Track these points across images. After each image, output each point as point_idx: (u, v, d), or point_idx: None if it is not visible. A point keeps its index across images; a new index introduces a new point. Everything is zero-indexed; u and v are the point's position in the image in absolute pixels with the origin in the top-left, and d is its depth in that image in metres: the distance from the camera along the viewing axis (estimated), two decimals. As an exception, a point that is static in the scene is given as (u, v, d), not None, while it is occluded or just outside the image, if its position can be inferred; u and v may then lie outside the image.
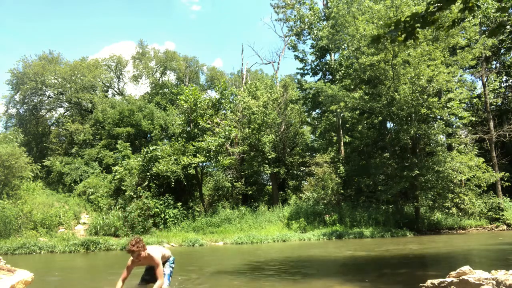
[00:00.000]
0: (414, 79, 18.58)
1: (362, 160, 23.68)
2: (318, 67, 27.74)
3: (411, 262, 10.15)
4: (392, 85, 19.29)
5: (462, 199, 20.04)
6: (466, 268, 4.36)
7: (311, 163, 25.03)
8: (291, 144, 29.17)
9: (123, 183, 21.70)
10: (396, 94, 18.83)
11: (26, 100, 32.29)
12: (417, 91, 18.59)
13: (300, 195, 24.73)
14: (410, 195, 20.90)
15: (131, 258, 5.51)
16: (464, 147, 23.04)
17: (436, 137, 21.08)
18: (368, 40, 18.47)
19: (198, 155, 21.60)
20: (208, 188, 26.48)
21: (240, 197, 26.55)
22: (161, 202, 20.55)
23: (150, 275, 6.16)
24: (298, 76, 28.70)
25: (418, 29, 3.36)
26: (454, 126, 23.14)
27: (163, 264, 5.98)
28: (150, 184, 21.17)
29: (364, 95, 20.65)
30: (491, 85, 25.06)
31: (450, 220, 21.27)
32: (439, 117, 20.66)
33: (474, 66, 23.72)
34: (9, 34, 61.00)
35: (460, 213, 21.80)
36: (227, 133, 22.33)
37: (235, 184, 26.03)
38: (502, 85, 26.85)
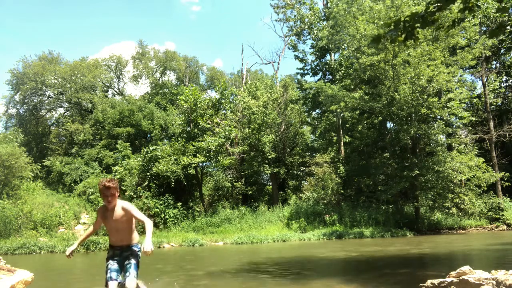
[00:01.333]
0: (414, 79, 18.59)
1: (362, 160, 23.68)
2: (318, 67, 27.75)
3: (411, 262, 10.15)
4: (392, 85, 19.29)
5: (462, 199, 20.03)
6: (466, 268, 4.36)
7: (311, 163, 25.03)
8: (291, 144, 29.17)
9: (123, 183, 21.71)
10: (396, 94, 18.83)
11: (26, 100, 32.30)
12: (417, 91, 18.59)
13: (300, 195, 24.73)
14: (410, 195, 20.91)
15: (99, 210, 4.50)
16: (464, 147, 23.03)
17: (436, 137, 21.07)
18: (369, 40, 18.48)
19: (198, 155, 21.60)
20: (208, 188, 26.48)
21: (240, 197, 26.55)
22: (161, 202, 20.55)
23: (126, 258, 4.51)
24: (298, 76, 28.72)
25: (418, 29, 3.36)
26: (454, 126, 23.14)
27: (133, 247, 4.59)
28: (150, 184, 21.17)
29: (364, 95, 20.66)
30: (491, 85, 25.06)
31: (450, 220, 21.27)
32: (439, 117, 20.66)
33: (474, 66, 23.71)
34: (9, 34, 61.00)
35: (460, 213, 21.80)
36: (227, 133, 22.34)
37: (235, 184, 26.03)
38: (502, 85, 26.85)
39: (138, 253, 4.52)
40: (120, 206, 4.37)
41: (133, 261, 4.38)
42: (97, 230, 4.75)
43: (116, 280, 4.24)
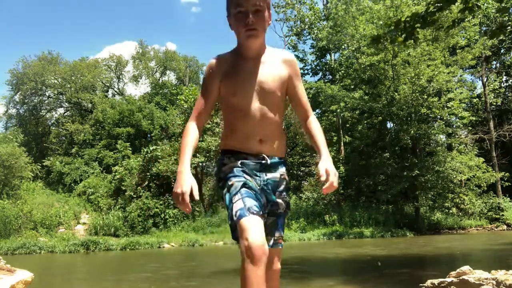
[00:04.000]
0: (414, 79, 18.60)
1: (362, 160, 23.69)
2: (318, 67, 27.76)
3: (411, 262, 10.15)
4: (392, 85, 19.30)
5: (462, 199, 20.06)
6: (466, 268, 4.35)
7: (311, 163, 25.04)
8: (291, 144, 29.17)
9: (123, 183, 21.71)
10: (396, 94, 18.85)
11: (26, 101, 32.34)
12: (417, 91, 18.60)
13: (300, 195, 24.73)
14: (410, 195, 20.92)
15: (214, 66, 1.89)
16: (464, 147, 23.05)
17: (436, 137, 21.10)
18: (368, 40, 18.50)
19: (198, 155, 21.61)
20: (208, 188, 26.48)
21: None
22: (161, 202, 20.56)
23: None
24: (298, 76, 28.71)
25: (418, 29, 3.36)
26: (454, 126, 23.15)
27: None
28: (150, 184, 21.18)
29: (364, 95, 20.68)
30: (491, 85, 25.07)
31: (450, 220, 21.28)
32: (439, 117, 20.68)
33: (474, 66, 23.72)
34: (10, 34, 60.84)
35: (460, 213, 21.82)
36: (227, 133, 22.35)
37: (235, 184, 26.03)
38: (502, 85, 26.87)
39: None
40: (276, 55, 1.93)
41: (282, 214, 1.93)
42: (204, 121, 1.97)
43: (260, 211, 1.70)
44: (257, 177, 1.86)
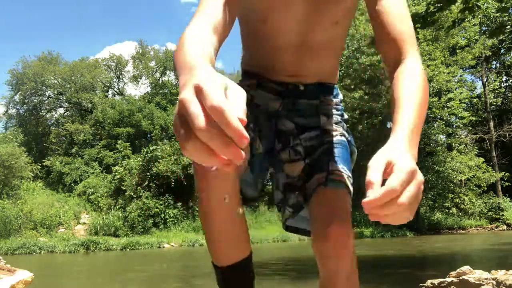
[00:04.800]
0: (414, 79, 18.64)
1: (362, 160, 23.68)
2: (318, 67, 27.80)
3: (411, 262, 10.15)
4: (392, 85, 19.35)
5: (462, 199, 20.08)
6: (466, 268, 4.36)
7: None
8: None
9: (123, 183, 21.72)
10: (396, 94, 18.88)
11: (26, 101, 32.38)
12: (417, 91, 18.64)
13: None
14: (410, 195, 20.94)
15: None
16: (464, 147, 23.06)
17: (436, 137, 21.10)
18: (368, 40, 18.52)
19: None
20: (208, 188, 26.47)
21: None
22: (161, 202, 20.57)
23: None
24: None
25: (418, 29, 3.37)
26: (454, 126, 23.17)
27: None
28: (150, 184, 21.19)
29: (364, 95, 20.70)
30: (491, 85, 25.09)
31: (450, 220, 21.29)
32: (439, 117, 20.70)
33: (474, 66, 23.74)
34: (9, 34, 60.89)
35: (460, 213, 21.83)
36: (227, 133, 22.34)
37: (235, 184, 26.04)
38: (502, 85, 26.88)
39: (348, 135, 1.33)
40: None
41: (339, 142, 1.27)
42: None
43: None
44: (287, 101, 1.18)
